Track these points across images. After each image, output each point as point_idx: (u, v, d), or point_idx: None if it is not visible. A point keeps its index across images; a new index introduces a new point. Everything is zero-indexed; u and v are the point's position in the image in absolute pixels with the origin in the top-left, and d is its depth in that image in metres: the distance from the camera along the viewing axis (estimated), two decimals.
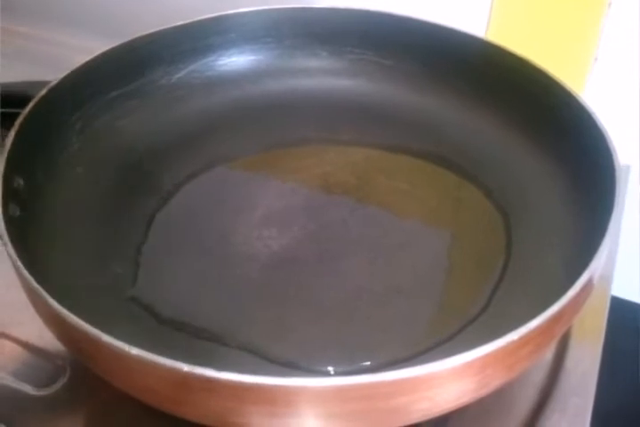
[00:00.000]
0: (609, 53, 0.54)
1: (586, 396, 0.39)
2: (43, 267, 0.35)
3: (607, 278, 0.46)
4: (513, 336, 0.29)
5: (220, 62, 0.51)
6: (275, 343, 0.37)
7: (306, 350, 0.37)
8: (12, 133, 0.39)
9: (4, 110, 0.46)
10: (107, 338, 0.28)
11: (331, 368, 0.36)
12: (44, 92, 0.42)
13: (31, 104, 0.41)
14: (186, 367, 0.28)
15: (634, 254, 0.58)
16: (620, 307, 0.48)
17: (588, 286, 0.33)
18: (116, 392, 0.33)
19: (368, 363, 0.36)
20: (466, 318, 0.38)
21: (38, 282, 0.31)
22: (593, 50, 0.54)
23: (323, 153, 0.48)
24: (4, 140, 0.39)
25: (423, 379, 0.29)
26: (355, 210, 0.44)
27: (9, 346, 0.41)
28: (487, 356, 0.29)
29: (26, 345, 0.41)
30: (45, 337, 0.35)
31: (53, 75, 0.43)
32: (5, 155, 0.37)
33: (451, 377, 0.29)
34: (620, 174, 0.37)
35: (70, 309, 0.30)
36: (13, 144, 0.38)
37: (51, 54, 0.65)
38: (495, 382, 0.32)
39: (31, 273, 0.32)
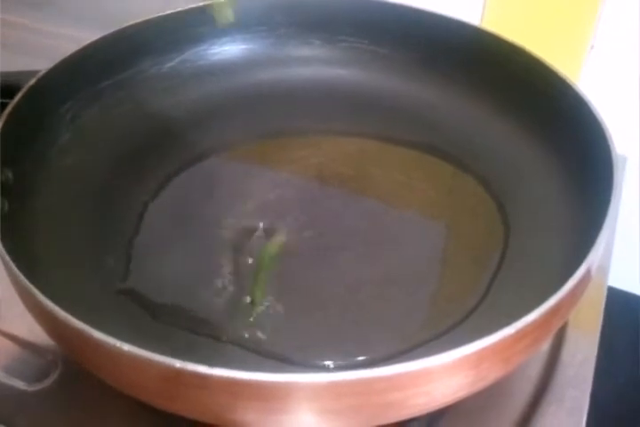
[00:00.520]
0: (605, 41, 0.54)
1: (583, 388, 0.39)
2: (33, 262, 0.35)
3: (604, 269, 0.46)
4: (510, 330, 0.29)
5: (212, 51, 0.51)
6: (269, 338, 0.36)
7: (301, 344, 0.36)
8: (0, 124, 0.38)
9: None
10: (98, 334, 0.28)
11: (327, 363, 0.35)
12: (32, 82, 0.41)
13: (19, 94, 0.40)
14: (178, 364, 0.27)
15: (631, 244, 0.57)
16: (617, 298, 0.47)
17: (586, 277, 0.32)
18: (107, 387, 0.32)
19: (364, 357, 0.35)
20: (464, 310, 0.37)
21: (28, 278, 0.31)
22: (589, 38, 0.54)
23: (317, 144, 0.48)
24: None
25: (419, 374, 0.28)
26: (350, 201, 0.44)
27: None
28: (484, 350, 0.29)
29: (16, 340, 0.41)
30: (36, 332, 0.35)
31: (45, 65, 0.42)
32: None
33: (447, 372, 0.29)
34: (617, 165, 0.36)
35: (61, 304, 0.30)
36: (1, 135, 0.37)
37: (42, 44, 0.64)
38: (492, 375, 0.31)
39: (21, 269, 0.31)
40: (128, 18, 0.47)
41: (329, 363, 0.35)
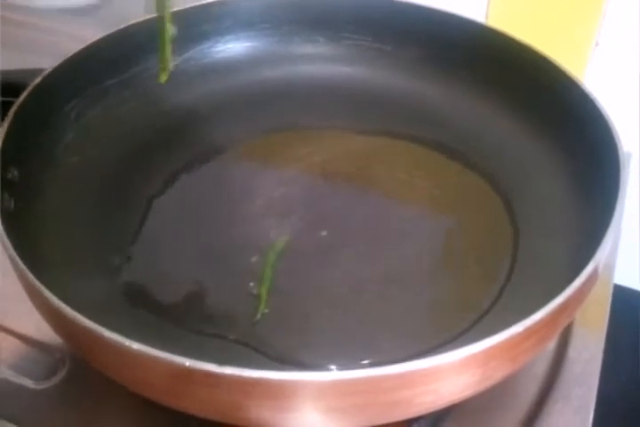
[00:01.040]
0: (610, 38, 0.53)
1: (589, 385, 0.39)
2: (39, 260, 0.35)
3: (610, 267, 0.46)
4: (517, 328, 0.29)
5: (217, 49, 0.51)
6: (273, 340, 0.36)
7: (306, 346, 0.36)
8: (6, 122, 0.38)
9: (1, 99, 0.45)
10: (108, 333, 0.28)
11: (331, 367, 0.35)
12: (37, 80, 0.41)
13: (25, 93, 0.40)
14: (187, 362, 0.27)
15: (635, 242, 0.57)
16: (620, 294, 0.47)
17: (593, 276, 0.32)
18: (115, 385, 0.32)
19: (369, 360, 0.35)
20: (475, 313, 0.37)
21: (35, 275, 0.31)
22: (594, 35, 0.54)
23: (321, 141, 0.48)
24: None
25: (426, 372, 0.28)
26: (354, 199, 0.44)
27: (7, 339, 0.41)
28: (491, 348, 0.29)
29: (24, 338, 0.41)
30: (43, 330, 0.35)
31: (49, 63, 0.42)
32: None
33: (454, 370, 0.29)
34: (623, 162, 0.36)
35: (68, 302, 0.30)
36: (7, 134, 0.38)
37: (46, 42, 0.64)
38: (499, 374, 0.31)
39: (28, 266, 0.31)
40: (131, 17, 0.47)
41: (333, 367, 0.35)
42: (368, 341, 0.36)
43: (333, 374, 0.27)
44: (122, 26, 0.46)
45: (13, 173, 0.38)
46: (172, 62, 0.39)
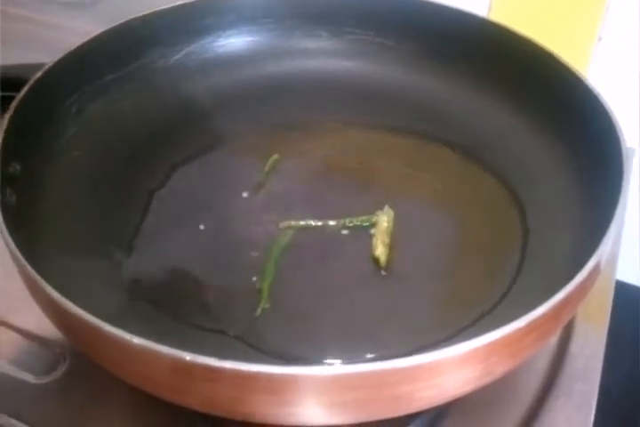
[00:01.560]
0: (613, 33, 0.53)
1: (591, 381, 0.39)
2: (40, 254, 0.35)
3: (612, 262, 0.46)
4: (519, 323, 0.29)
5: (218, 44, 0.50)
6: (274, 335, 0.36)
7: (307, 341, 0.36)
8: (7, 117, 0.38)
9: (1, 94, 0.45)
10: (108, 328, 0.28)
11: (334, 362, 0.35)
12: (38, 75, 0.41)
13: (26, 87, 0.40)
14: (188, 356, 0.27)
15: (636, 238, 0.57)
16: (622, 291, 0.47)
17: (595, 271, 0.32)
18: (115, 379, 0.32)
19: (373, 355, 0.35)
20: (479, 309, 0.37)
21: (36, 269, 0.31)
22: (597, 29, 0.53)
23: (323, 136, 0.48)
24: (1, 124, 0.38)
25: (428, 367, 0.28)
26: (357, 194, 0.44)
27: (8, 334, 0.41)
28: (493, 343, 0.29)
29: (25, 333, 0.41)
30: (44, 325, 0.35)
31: (50, 58, 0.42)
32: (0, 138, 0.37)
33: (456, 365, 0.29)
34: (627, 157, 0.36)
35: (69, 297, 0.30)
36: (8, 128, 0.37)
37: (48, 37, 0.64)
38: (500, 369, 0.31)
39: (28, 260, 0.31)
40: (133, 11, 0.47)
41: (335, 363, 0.35)
42: (371, 336, 0.36)
43: (334, 369, 0.27)
44: (122, 20, 0.46)
45: (15, 168, 0.38)
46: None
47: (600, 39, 0.54)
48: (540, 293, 0.31)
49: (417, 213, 0.43)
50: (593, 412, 0.38)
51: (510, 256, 0.39)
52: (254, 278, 0.39)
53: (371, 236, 0.41)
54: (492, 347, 0.29)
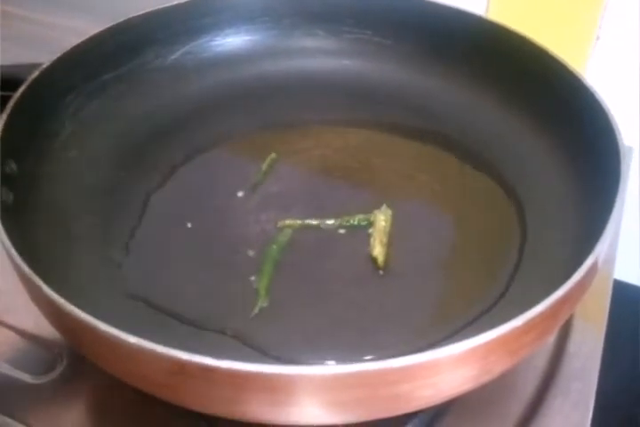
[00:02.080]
0: (611, 32, 0.53)
1: (588, 380, 0.39)
2: (37, 254, 0.35)
3: (610, 261, 0.46)
4: (517, 322, 0.29)
5: (215, 43, 0.50)
6: (271, 336, 0.36)
7: (305, 342, 0.36)
8: (4, 116, 0.38)
9: (1, 93, 0.45)
10: (105, 327, 0.28)
11: (331, 363, 0.34)
12: (35, 74, 0.41)
13: (23, 87, 0.40)
14: (185, 356, 0.27)
15: (634, 237, 0.57)
16: (621, 290, 0.47)
17: (593, 269, 0.32)
18: (113, 379, 0.32)
19: (371, 356, 0.35)
20: (479, 308, 0.37)
21: (32, 269, 0.31)
22: (594, 29, 0.53)
23: (321, 135, 0.48)
24: None
25: (426, 366, 0.28)
26: (355, 193, 0.44)
27: (5, 334, 0.41)
28: (490, 342, 0.29)
29: (22, 333, 0.41)
30: (41, 325, 0.35)
31: (49, 57, 0.42)
32: None
33: (454, 364, 0.29)
34: (624, 156, 0.36)
35: (66, 296, 0.30)
36: (5, 128, 0.37)
37: (46, 37, 0.64)
38: (498, 368, 0.31)
39: (25, 260, 0.31)
40: (130, 10, 0.47)
41: (332, 363, 0.35)
42: (369, 336, 0.36)
43: (331, 369, 0.27)
44: (120, 19, 0.46)
45: (12, 167, 0.38)
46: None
47: (598, 38, 0.54)
48: (537, 292, 0.31)
49: (415, 213, 0.42)
50: (591, 411, 0.38)
51: (508, 255, 0.39)
52: (252, 278, 0.39)
53: (368, 235, 0.41)
54: (490, 346, 0.29)
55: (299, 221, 0.41)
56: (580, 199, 0.40)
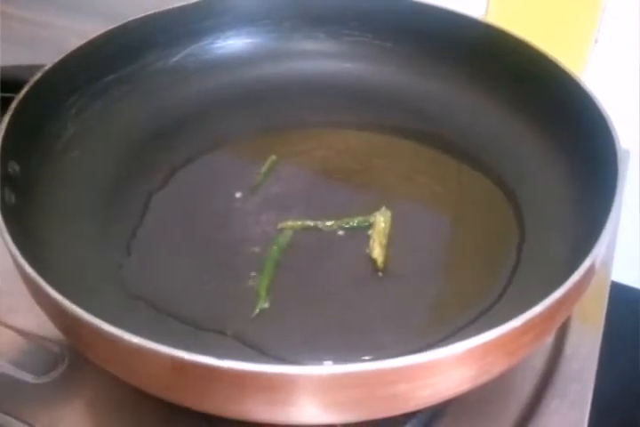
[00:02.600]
0: (609, 36, 0.54)
1: (586, 382, 0.39)
2: (39, 254, 0.35)
3: (607, 264, 0.46)
4: (515, 323, 0.29)
5: (217, 45, 0.51)
6: (271, 337, 0.36)
7: (304, 343, 0.36)
8: (7, 118, 0.38)
9: (1, 95, 0.45)
10: (106, 326, 0.28)
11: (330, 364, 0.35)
12: (38, 76, 0.41)
13: (25, 88, 0.40)
14: (186, 355, 0.27)
15: (633, 239, 0.57)
16: (618, 292, 0.48)
17: (590, 271, 0.32)
18: (114, 379, 0.32)
19: (369, 357, 0.35)
20: (476, 310, 0.37)
21: (35, 269, 0.31)
22: (593, 32, 0.54)
23: (321, 137, 0.48)
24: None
25: (424, 366, 0.28)
26: (355, 195, 0.44)
27: (7, 334, 0.41)
28: (489, 343, 0.29)
29: (24, 333, 0.41)
30: (43, 325, 0.35)
31: (51, 58, 0.43)
32: (0, 139, 0.37)
33: (452, 364, 0.29)
34: (621, 159, 0.36)
35: (68, 296, 0.30)
36: (8, 128, 0.38)
37: (46, 38, 0.64)
38: (496, 369, 0.32)
39: (28, 260, 0.31)
40: (130, 12, 0.47)
41: (331, 363, 0.35)
42: (368, 337, 0.36)
43: (331, 368, 0.28)
44: (122, 22, 0.46)
45: (14, 168, 0.38)
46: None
47: (596, 42, 0.54)
48: (536, 293, 0.31)
49: (414, 214, 0.43)
50: (588, 412, 0.38)
51: (507, 257, 0.39)
52: (252, 279, 0.39)
53: (368, 237, 0.41)
54: (488, 346, 0.29)
55: (299, 223, 0.42)
56: (578, 201, 0.40)
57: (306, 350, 0.35)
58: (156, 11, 0.48)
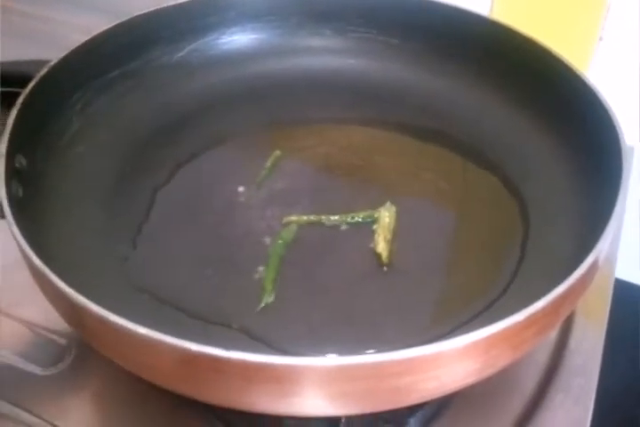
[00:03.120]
0: (613, 33, 0.54)
1: (590, 376, 0.39)
2: (47, 247, 0.35)
3: (611, 260, 0.46)
4: (519, 317, 0.29)
5: (221, 41, 0.51)
6: (277, 330, 0.36)
7: (309, 336, 0.36)
8: (14, 112, 0.38)
9: (2, 89, 0.46)
10: (114, 317, 0.28)
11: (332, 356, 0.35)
12: (44, 71, 0.41)
13: (32, 83, 0.40)
14: (194, 347, 0.27)
15: (635, 237, 0.58)
16: (621, 288, 0.48)
17: (594, 267, 0.33)
18: (120, 371, 0.33)
19: (372, 351, 0.35)
20: (480, 304, 0.37)
21: (43, 261, 0.31)
22: (597, 29, 0.54)
23: (326, 133, 0.48)
24: (1, 119, 0.39)
25: (428, 359, 0.29)
26: (359, 190, 0.44)
27: (15, 327, 0.41)
28: (493, 336, 0.29)
29: (31, 326, 0.41)
30: (50, 317, 0.36)
31: (51, 53, 0.43)
32: (7, 133, 0.37)
33: (457, 357, 0.29)
34: (625, 155, 0.37)
35: (75, 288, 0.30)
36: (15, 123, 0.38)
37: (48, 32, 0.64)
38: (500, 362, 0.32)
39: (36, 253, 0.32)
40: (132, 7, 0.47)
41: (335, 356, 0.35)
42: (373, 331, 0.36)
43: (336, 360, 0.28)
44: (127, 17, 0.46)
45: (21, 162, 0.38)
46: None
47: (601, 39, 0.54)
48: (539, 288, 0.31)
49: (418, 210, 0.43)
50: (591, 407, 0.38)
51: (511, 252, 0.40)
52: (258, 273, 0.39)
53: (372, 231, 0.41)
54: (492, 340, 0.29)
55: (304, 218, 0.42)
56: (583, 197, 0.40)
57: (311, 344, 0.36)
58: (162, 6, 0.48)
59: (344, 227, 0.42)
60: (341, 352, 0.35)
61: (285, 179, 0.45)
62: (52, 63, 0.42)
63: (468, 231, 0.42)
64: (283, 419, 0.35)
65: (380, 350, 0.34)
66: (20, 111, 0.39)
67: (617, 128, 0.38)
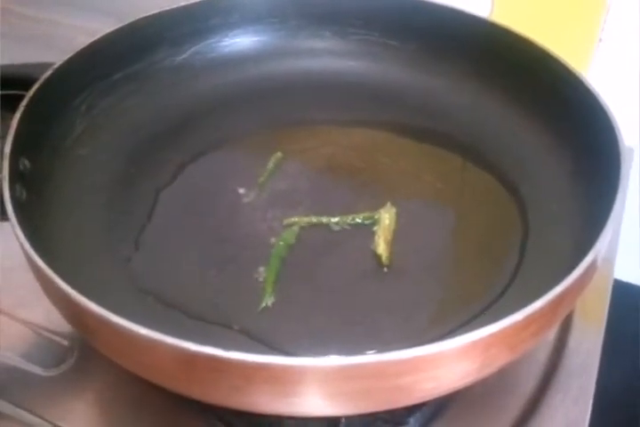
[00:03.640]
0: (613, 35, 0.54)
1: (588, 377, 0.40)
2: (50, 248, 0.36)
3: (610, 261, 0.46)
4: (518, 317, 0.29)
5: (224, 44, 0.51)
6: (277, 331, 0.36)
7: (309, 338, 0.36)
8: (18, 115, 0.39)
9: (4, 92, 0.46)
10: (115, 318, 0.29)
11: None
12: (48, 73, 0.42)
13: (36, 86, 0.41)
14: (194, 347, 0.28)
15: (635, 237, 0.58)
16: (620, 289, 0.48)
17: (592, 267, 0.33)
18: (123, 371, 0.33)
19: (372, 352, 0.35)
20: (480, 305, 0.37)
21: (46, 263, 0.32)
22: (597, 31, 0.54)
23: (326, 134, 0.48)
24: (3, 121, 0.39)
25: (427, 359, 0.29)
26: (360, 191, 0.44)
27: (17, 328, 0.41)
28: (492, 336, 0.29)
29: (34, 327, 0.41)
30: (53, 319, 0.36)
31: (54, 56, 0.43)
32: (11, 136, 0.37)
33: (455, 357, 0.30)
34: (624, 156, 0.37)
35: (78, 289, 0.30)
36: (19, 125, 0.38)
37: (51, 35, 0.64)
38: (498, 362, 0.32)
39: (39, 254, 0.32)
40: (136, 9, 0.47)
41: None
42: (372, 332, 0.37)
43: (336, 360, 0.28)
44: (130, 20, 0.47)
45: (25, 164, 0.39)
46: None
47: (600, 41, 0.54)
48: (539, 288, 0.31)
49: (418, 211, 0.43)
50: (590, 407, 0.38)
51: (510, 252, 0.40)
52: (259, 274, 0.39)
53: (373, 233, 0.41)
54: (490, 340, 0.29)
55: (305, 219, 0.42)
56: (582, 198, 0.40)
57: (311, 345, 0.36)
58: (164, 9, 0.48)
59: (345, 228, 0.42)
60: (341, 353, 0.35)
61: (287, 180, 0.45)
62: (56, 66, 0.42)
63: (468, 232, 0.42)
64: (283, 419, 0.36)
65: (379, 350, 0.35)
66: (23, 114, 0.39)
67: (616, 129, 0.38)
